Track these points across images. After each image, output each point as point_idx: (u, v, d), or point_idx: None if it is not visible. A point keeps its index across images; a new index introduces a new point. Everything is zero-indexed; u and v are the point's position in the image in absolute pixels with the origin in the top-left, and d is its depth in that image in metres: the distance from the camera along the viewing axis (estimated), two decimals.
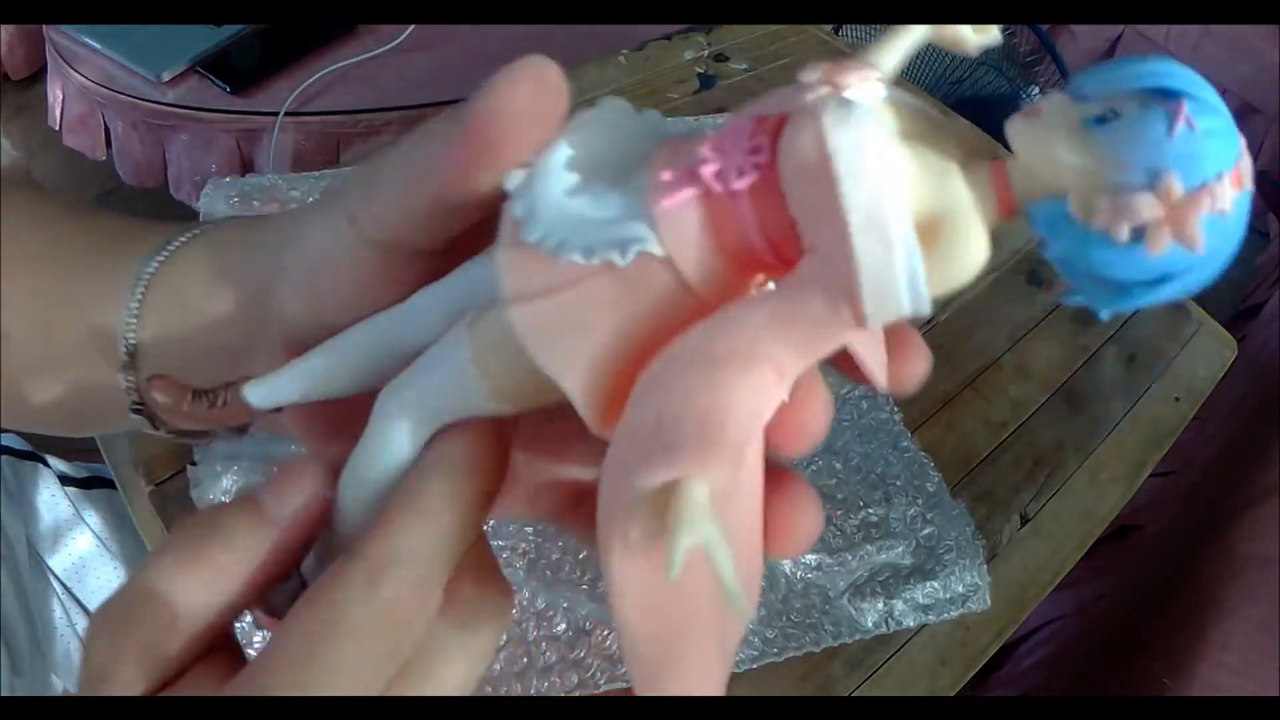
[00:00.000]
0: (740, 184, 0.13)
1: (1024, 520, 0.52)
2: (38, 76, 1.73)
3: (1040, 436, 0.55)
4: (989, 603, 0.47)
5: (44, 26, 1.27)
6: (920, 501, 0.50)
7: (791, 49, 0.78)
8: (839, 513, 0.49)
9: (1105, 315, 0.13)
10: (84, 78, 1.18)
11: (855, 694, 0.44)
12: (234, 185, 0.60)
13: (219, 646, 0.19)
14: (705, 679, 0.15)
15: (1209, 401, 0.59)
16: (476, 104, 0.17)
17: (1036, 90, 1.17)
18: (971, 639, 0.47)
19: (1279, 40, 1.64)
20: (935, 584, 0.47)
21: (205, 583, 0.18)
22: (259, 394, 0.20)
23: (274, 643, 0.17)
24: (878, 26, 1.28)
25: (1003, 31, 1.22)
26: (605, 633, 0.43)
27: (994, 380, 0.57)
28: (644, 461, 0.13)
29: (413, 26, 1.19)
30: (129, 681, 0.17)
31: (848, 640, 0.46)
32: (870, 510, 0.50)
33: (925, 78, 1.24)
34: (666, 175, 0.14)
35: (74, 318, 0.26)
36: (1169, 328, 0.62)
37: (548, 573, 0.45)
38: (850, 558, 0.48)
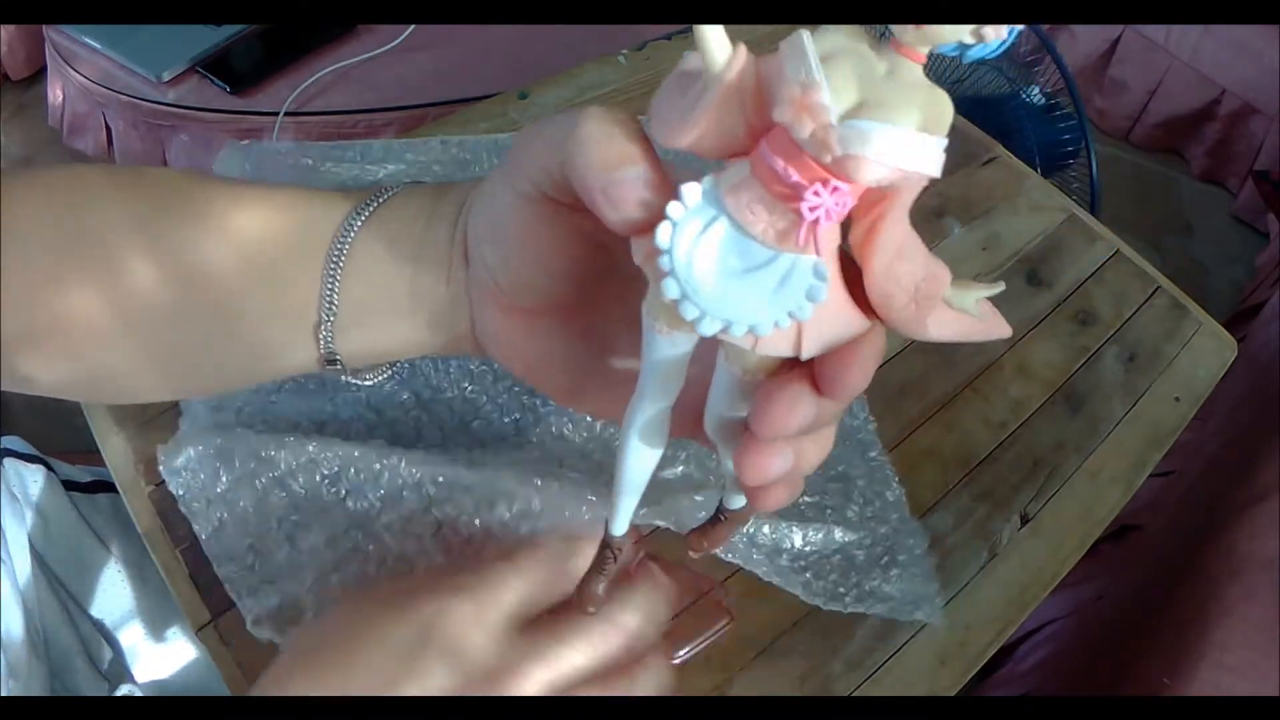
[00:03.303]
0: (841, 206, 0.19)
1: (1024, 520, 0.52)
2: (38, 76, 1.73)
3: (1040, 436, 0.55)
4: (941, 619, 0.47)
5: (44, 26, 1.27)
6: (877, 504, 0.50)
7: None
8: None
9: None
10: (84, 78, 1.18)
11: (855, 694, 0.44)
12: (249, 151, 0.61)
13: None
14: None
15: (1209, 401, 0.59)
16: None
17: (1036, 90, 1.17)
18: (971, 639, 0.47)
19: (1279, 40, 1.64)
20: (886, 581, 0.47)
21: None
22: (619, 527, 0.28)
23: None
24: (878, 27, 1.28)
25: None
26: None
27: (994, 380, 0.57)
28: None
29: (413, 26, 1.19)
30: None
31: (793, 595, 0.45)
32: (828, 497, 0.49)
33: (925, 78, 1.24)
34: (805, 239, 0.19)
35: (274, 288, 0.28)
36: (1169, 328, 0.62)
37: None
38: (796, 532, 0.47)
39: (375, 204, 0.28)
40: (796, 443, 0.22)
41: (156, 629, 0.58)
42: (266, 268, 0.28)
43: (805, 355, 0.20)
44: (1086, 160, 1.11)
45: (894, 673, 0.45)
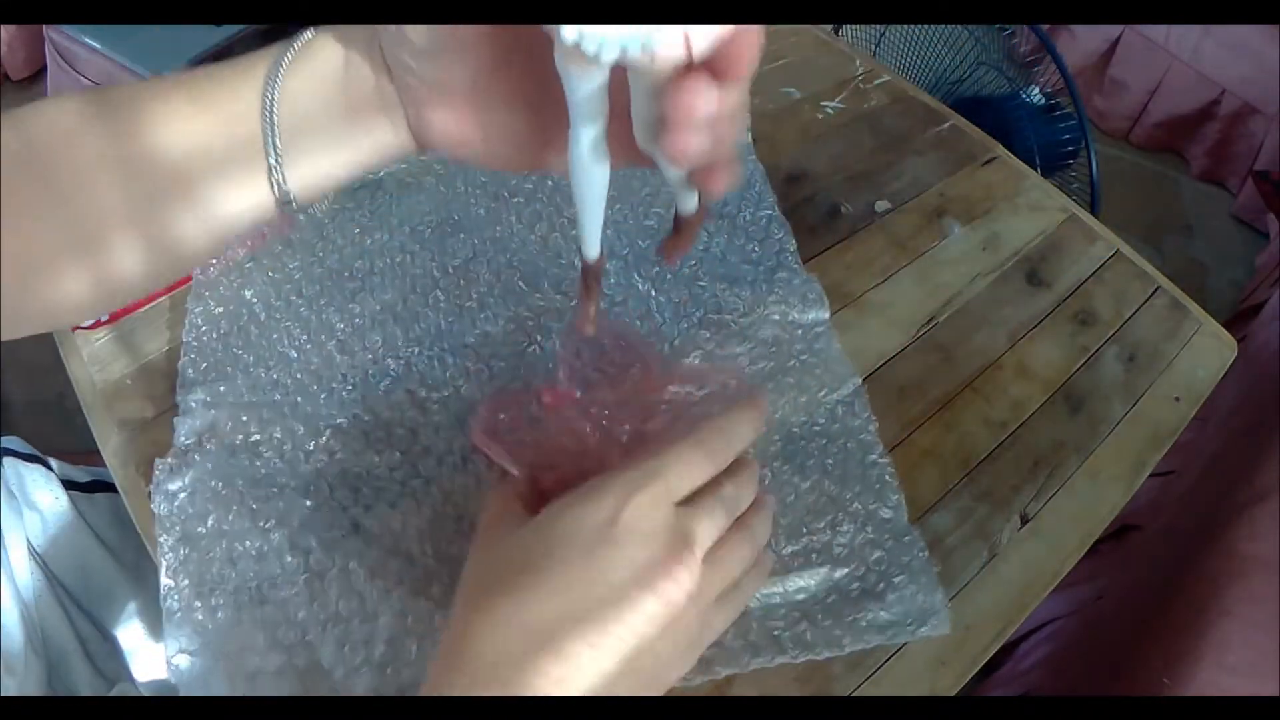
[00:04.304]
0: None
1: (1024, 520, 0.51)
2: (38, 76, 1.73)
3: (1040, 436, 0.55)
4: (949, 628, 0.46)
5: (44, 26, 1.27)
6: (870, 528, 0.48)
7: (791, 49, 0.78)
8: (780, 539, 0.47)
9: None
10: (84, 78, 1.18)
11: (855, 694, 0.44)
12: None
13: None
14: None
15: (1209, 401, 0.59)
16: None
17: (1036, 90, 1.17)
18: (971, 639, 0.47)
19: (1279, 40, 1.63)
20: (884, 608, 0.46)
21: None
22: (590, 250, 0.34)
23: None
24: (878, 27, 1.28)
25: (1002, 31, 1.22)
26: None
27: (994, 380, 0.57)
28: None
29: None
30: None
31: (793, 660, 0.44)
32: (813, 538, 0.48)
33: (925, 78, 1.24)
34: None
35: (222, 144, 0.30)
36: (1169, 328, 0.62)
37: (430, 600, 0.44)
38: (787, 584, 0.46)
39: (293, 51, 0.31)
40: (711, 124, 0.25)
41: (155, 628, 0.58)
42: (212, 126, 0.30)
43: (697, 55, 0.23)
44: (1086, 160, 1.11)
45: (894, 673, 0.45)
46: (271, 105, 0.30)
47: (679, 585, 0.31)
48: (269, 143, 0.30)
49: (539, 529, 0.33)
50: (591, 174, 0.30)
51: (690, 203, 0.34)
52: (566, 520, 0.32)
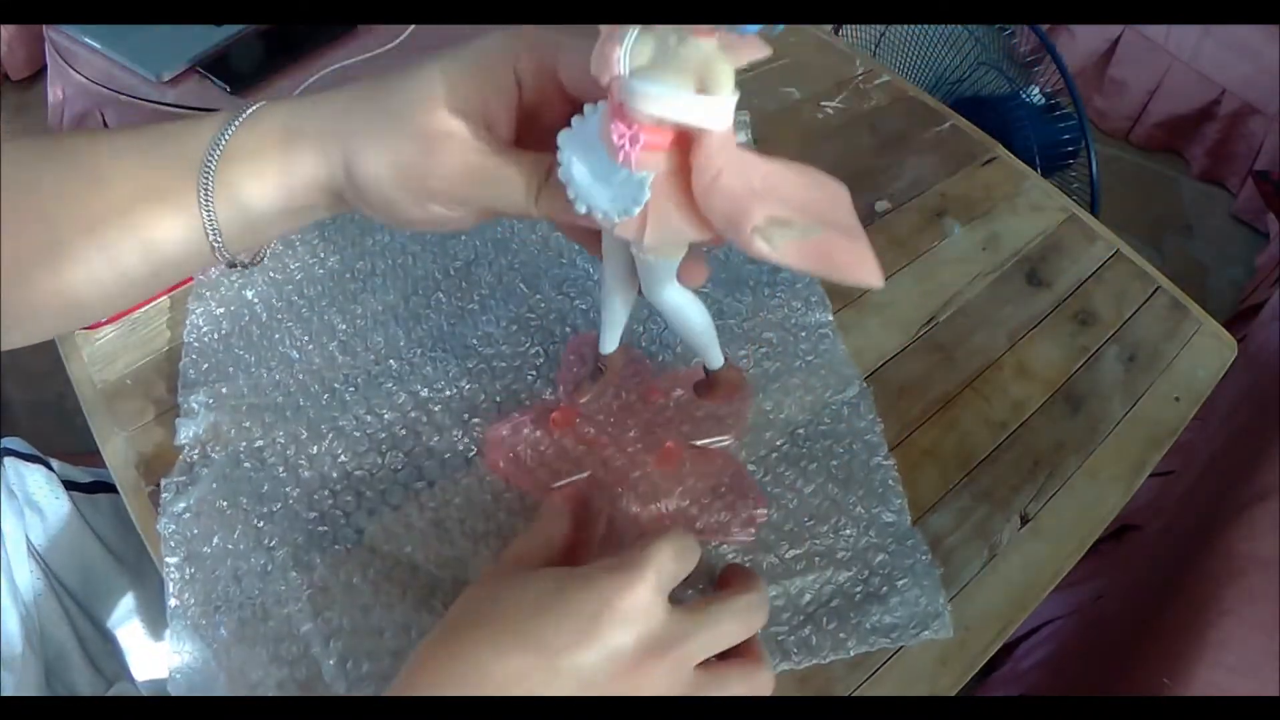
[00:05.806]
0: (640, 140, 0.26)
1: (1024, 520, 0.52)
2: (38, 76, 1.73)
3: (1040, 436, 0.55)
4: (951, 632, 0.46)
5: (44, 26, 1.27)
6: (872, 532, 0.48)
7: (791, 49, 0.78)
8: (782, 544, 0.47)
9: None
10: (84, 78, 1.18)
11: (855, 694, 0.44)
12: None
13: None
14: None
15: (1209, 401, 0.59)
16: None
17: (1036, 90, 1.17)
18: (971, 639, 0.47)
19: (1279, 40, 1.64)
20: (887, 611, 0.46)
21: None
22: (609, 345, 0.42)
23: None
24: (878, 27, 1.28)
25: (1002, 31, 1.22)
26: None
27: (994, 380, 0.57)
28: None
29: (413, 26, 1.19)
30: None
31: (796, 666, 0.44)
32: (815, 541, 0.48)
33: (925, 78, 1.24)
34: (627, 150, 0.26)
35: (158, 200, 0.32)
36: (1169, 328, 0.62)
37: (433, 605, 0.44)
38: (790, 586, 0.46)
39: (249, 111, 0.32)
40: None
41: (155, 628, 0.58)
42: (150, 192, 0.32)
43: (647, 244, 0.28)
44: (1086, 160, 1.11)
45: (894, 673, 0.45)
46: (209, 188, 0.31)
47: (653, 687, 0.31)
48: (209, 222, 0.32)
49: (540, 591, 0.33)
50: (614, 298, 0.37)
51: (715, 360, 0.41)
52: (554, 601, 0.32)
